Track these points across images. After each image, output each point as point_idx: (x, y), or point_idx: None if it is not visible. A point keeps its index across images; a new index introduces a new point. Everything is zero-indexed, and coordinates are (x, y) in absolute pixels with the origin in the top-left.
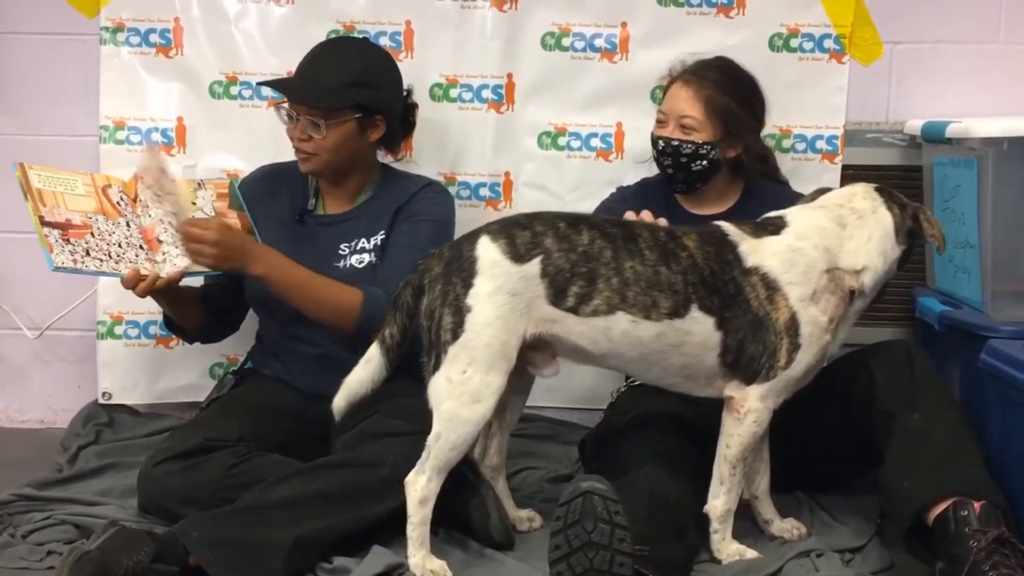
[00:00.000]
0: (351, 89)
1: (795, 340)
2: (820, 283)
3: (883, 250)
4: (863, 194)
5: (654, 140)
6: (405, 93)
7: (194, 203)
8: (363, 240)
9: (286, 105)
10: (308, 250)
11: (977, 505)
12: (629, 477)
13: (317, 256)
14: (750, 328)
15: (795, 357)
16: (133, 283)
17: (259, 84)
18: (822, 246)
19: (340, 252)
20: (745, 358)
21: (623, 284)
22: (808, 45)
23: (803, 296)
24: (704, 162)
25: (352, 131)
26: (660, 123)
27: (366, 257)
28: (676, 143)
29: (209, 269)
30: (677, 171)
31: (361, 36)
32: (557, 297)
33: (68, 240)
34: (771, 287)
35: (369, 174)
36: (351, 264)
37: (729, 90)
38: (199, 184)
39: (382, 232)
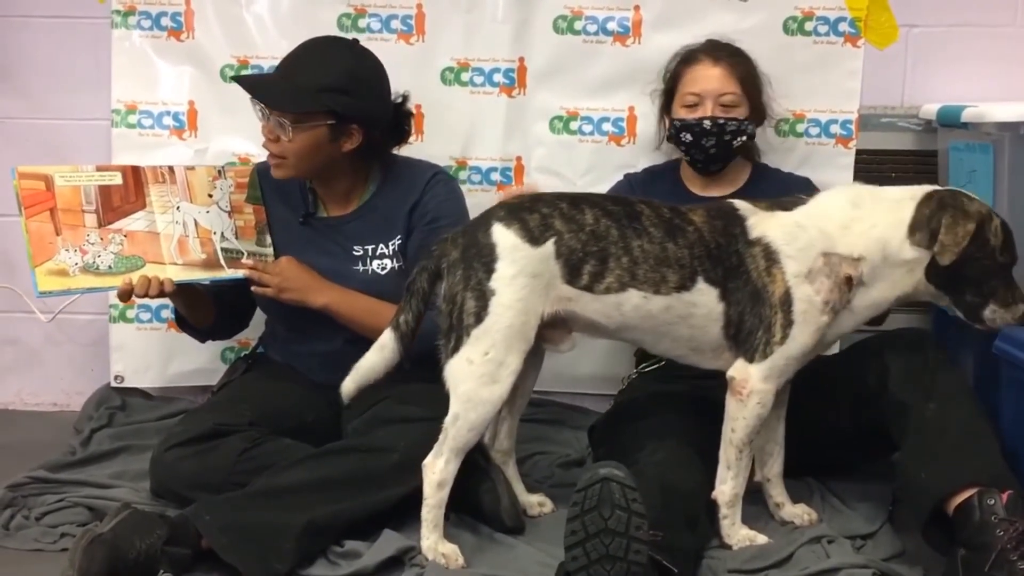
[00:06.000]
0: (324, 94)
1: (788, 315)
2: (816, 264)
3: (885, 241)
4: (909, 187)
5: (691, 123)
6: (400, 100)
7: (210, 195)
8: (381, 246)
9: None
10: (321, 253)
11: (1004, 495)
12: (640, 466)
13: (332, 258)
14: (749, 300)
15: (789, 333)
16: (127, 295)
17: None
18: (823, 228)
19: (355, 253)
20: (744, 331)
21: (633, 263)
22: (823, 28)
23: (798, 272)
24: (744, 137)
25: (322, 138)
26: (691, 106)
27: (388, 263)
28: (722, 121)
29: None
30: (720, 150)
31: (353, 38)
32: (572, 276)
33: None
34: (771, 259)
35: (364, 174)
36: (373, 270)
37: (751, 66)
38: (219, 172)
39: (399, 236)
